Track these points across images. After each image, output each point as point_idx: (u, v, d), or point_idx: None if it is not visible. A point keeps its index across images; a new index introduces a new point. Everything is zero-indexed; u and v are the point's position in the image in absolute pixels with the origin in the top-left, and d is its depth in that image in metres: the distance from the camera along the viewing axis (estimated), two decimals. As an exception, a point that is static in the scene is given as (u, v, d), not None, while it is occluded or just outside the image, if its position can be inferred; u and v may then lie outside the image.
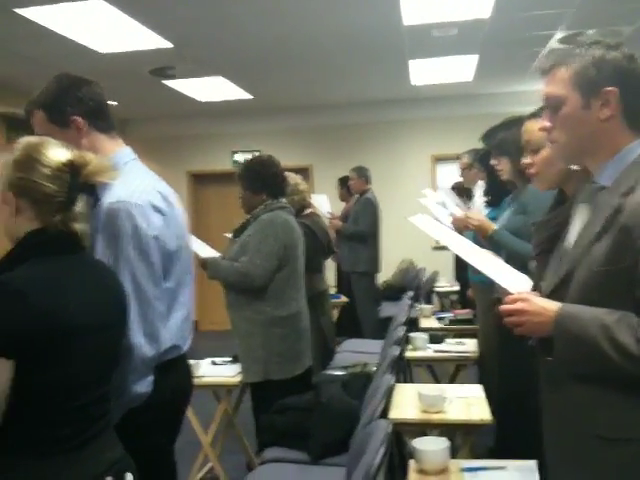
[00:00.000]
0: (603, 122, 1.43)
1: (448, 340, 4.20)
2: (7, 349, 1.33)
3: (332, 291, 6.19)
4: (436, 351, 3.99)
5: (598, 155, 1.47)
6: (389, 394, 2.34)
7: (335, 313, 6.17)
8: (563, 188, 1.93)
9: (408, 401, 2.85)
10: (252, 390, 3.60)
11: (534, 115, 2.00)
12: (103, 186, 1.76)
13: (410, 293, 5.35)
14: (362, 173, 6.57)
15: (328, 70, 6.75)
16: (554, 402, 1.49)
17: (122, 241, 1.73)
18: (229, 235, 3.68)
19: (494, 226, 2.80)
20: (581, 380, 1.40)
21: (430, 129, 8.63)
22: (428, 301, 6.62)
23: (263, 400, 3.38)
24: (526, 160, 1.99)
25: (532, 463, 2.10)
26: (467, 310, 4.98)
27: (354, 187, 6.64)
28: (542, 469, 1.88)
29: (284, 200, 3.55)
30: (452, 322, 4.87)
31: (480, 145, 8.06)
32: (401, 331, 3.53)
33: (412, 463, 2.17)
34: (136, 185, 1.80)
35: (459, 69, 6.97)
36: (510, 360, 2.93)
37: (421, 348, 4.00)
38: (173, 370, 1.94)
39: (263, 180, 3.45)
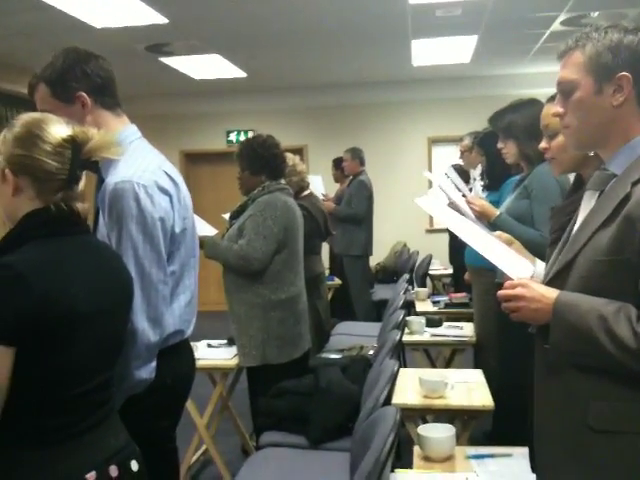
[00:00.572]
0: (616, 108, 1.40)
1: (445, 324, 4.18)
2: (9, 335, 1.28)
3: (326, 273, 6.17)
4: (433, 335, 3.97)
5: (610, 142, 1.43)
6: (393, 380, 2.30)
7: (328, 295, 6.15)
8: (580, 173, 1.90)
9: (408, 386, 2.83)
10: (249, 374, 3.57)
11: (552, 99, 1.95)
12: (108, 165, 1.71)
13: (406, 276, 5.33)
14: (356, 154, 6.51)
15: (328, 49, 6.65)
16: (547, 390, 1.47)
17: (127, 222, 1.68)
18: (225, 216, 3.62)
19: (497, 211, 2.77)
20: (576, 369, 1.39)
21: (426, 111, 8.57)
22: (422, 284, 6.60)
23: (260, 384, 3.35)
24: (543, 144, 1.95)
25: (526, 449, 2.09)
26: (463, 294, 4.96)
27: (348, 169, 6.59)
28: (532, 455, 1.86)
29: (283, 181, 3.49)
30: (448, 306, 4.85)
31: (477, 127, 8.05)
32: (400, 315, 3.50)
33: (416, 450, 2.15)
34: (142, 164, 1.74)
35: (457, 50, 6.90)
36: (509, 345, 2.92)
37: (418, 332, 3.98)
38: (175, 355, 1.90)
39: (263, 161, 3.38)
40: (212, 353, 3.61)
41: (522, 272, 1.53)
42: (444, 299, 5.00)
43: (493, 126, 2.90)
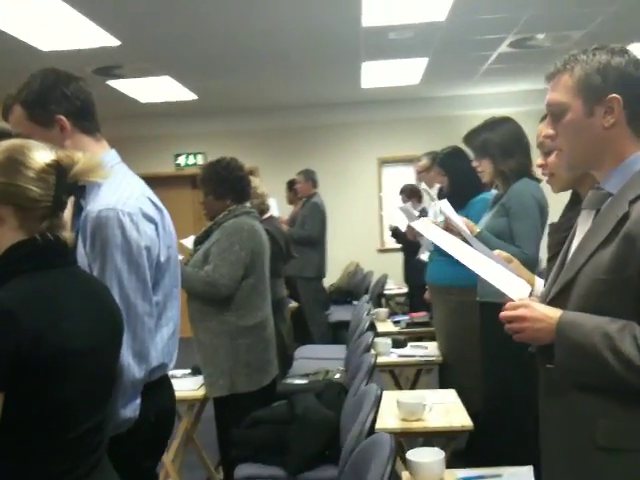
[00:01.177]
0: (607, 130, 1.41)
1: (409, 344, 4.17)
2: None
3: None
4: (400, 356, 3.95)
5: (603, 162, 1.44)
6: (378, 404, 2.26)
7: (287, 319, 6.08)
8: (577, 190, 1.92)
9: (384, 409, 2.79)
10: (216, 404, 3.45)
11: (546, 117, 1.96)
12: (89, 191, 1.62)
13: (366, 297, 5.31)
14: (309, 176, 6.51)
15: (281, 71, 6.65)
16: (553, 410, 1.46)
17: (111, 251, 1.59)
18: (183, 241, 3.52)
19: (477, 228, 2.78)
20: (582, 389, 1.38)
21: (376, 132, 8.64)
22: (378, 304, 6.61)
23: (229, 414, 3.24)
24: (540, 161, 1.96)
25: (527, 469, 2.08)
26: (423, 313, 4.98)
27: (301, 190, 6.57)
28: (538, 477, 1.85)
29: (248, 205, 3.43)
30: (409, 325, 4.85)
31: (426, 147, 8.20)
32: (369, 337, 3.47)
33: (406, 475, 2.11)
34: (125, 191, 1.66)
35: (407, 72, 7.00)
36: (493, 363, 2.92)
37: (385, 353, 3.95)
38: (158, 390, 1.81)
39: (227, 184, 3.31)
40: (177, 384, 3.41)
41: (520, 292, 1.52)
42: (405, 319, 5.00)
43: (468, 145, 2.92)
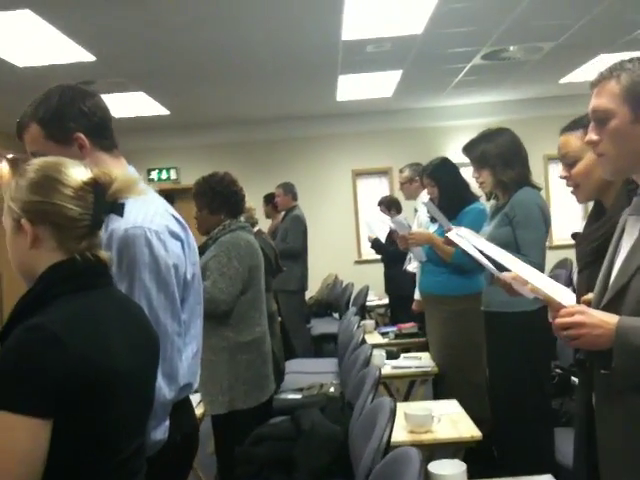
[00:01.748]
0: None
1: (402, 355, 4.17)
2: (45, 407, 1.13)
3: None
4: (394, 367, 3.94)
5: None
6: (393, 417, 2.24)
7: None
8: (601, 200, 1.93)
9: (390, 422, 2.77)
10: (215, 422, 3.40)
11: (568, 128, 1.98)
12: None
13: (353, 309, 5.30)
14: (288, 189, 6.50)
15: (256, 85, 6.64)
16: (612, 414, 1.46)
17: (139, 270, 1.55)
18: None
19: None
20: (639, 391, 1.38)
21: (350, 144, 8.69)
22: (362, 316, 6.59)
23: (228, 431, 3.20)
24: (563, 173, 1.97)
25: (547, 477, 2.08)
26: (411, 323, 4.99)
27: (281, 204, 6.55)
28: None
29: (242, 219, 3.40)
30: (398, 336, 4.86)
31: (399, 158, 8.26)
32: (367, 350, 3.45)
33: (428, 489, 2.09)
34: (150, 208, 1.61)
35: (381, 85, 7.06)
36: (502, 374, 2.93)
37: (379, 365, 3.92)
38: (183, 410, 1.77)
39: (222, 199, 3.28)
40: (173, 403, 3.41)
41: (568, 299, 1.52)
42: (392, 330, 5.00)
43: (467, 156, 2.94)
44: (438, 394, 4.02)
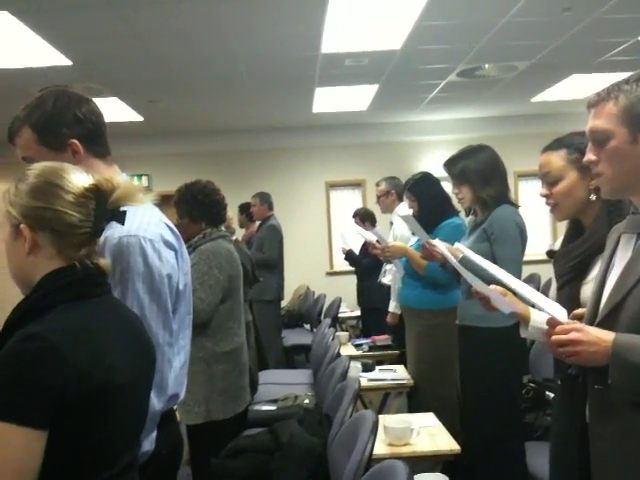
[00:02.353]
0: None
1: (377, 367, 4.18)
2: (40, 418, 1.10)
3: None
4: (370, 380, 3.94)
5: None
6: (375, 430, 2.24)
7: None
8: (579, 218, 1.97)
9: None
10: (190, 432, 3.36)
11: (550, 147, 2.02)
12: None
13: (327, 320, 5.30)
14: (264, 199, 6.49)
15: (234, 95, 6.63)
16: (606, 430, 1.47)
17: (133, 279, 1.53)
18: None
19: (460, 253, 2.82)
20: (636, 407, 1.40)
21: (324, 156, 8.72)
22: (334, 328, 6.59)
23: (203, 442, 3.16)
24: (544, 191, 2.00)
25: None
26: (385, 336, 5.01)
27: (256, 213, 6.54)
28: None
29: (223, 228, 3.39)
30: (372, 348, 4.87)
31: (372, 171, 8.31)
32: (344, 363, 3.45)
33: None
34: (145, 217, 1.60)
35: (357, 98, 7.11)
36: (475, 388, 2.95)
37: (355, 377, 3.92)
38: (168, 422, 1.74)
39: (203, 207, 3.26)
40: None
41: (561, 315, 1.54)
42: (366, 342, 5.02)
43: (447, 172, 2.97)
44: (411, 407, 4.04)
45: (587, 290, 1.87)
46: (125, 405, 1.24)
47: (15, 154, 1.69)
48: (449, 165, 2.96)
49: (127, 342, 1.30)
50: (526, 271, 6.85)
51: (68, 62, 5.07)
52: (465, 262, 2.06)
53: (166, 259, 1.60)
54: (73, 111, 1.62)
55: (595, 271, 1.87)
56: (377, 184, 5.27)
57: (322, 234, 8.79)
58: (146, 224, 1.59)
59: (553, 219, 2.18)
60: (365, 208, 6.81)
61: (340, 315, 7.29)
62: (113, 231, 1.53)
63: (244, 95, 6.66)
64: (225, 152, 8.58)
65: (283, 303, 7.57)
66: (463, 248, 1.88)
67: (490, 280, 1.79)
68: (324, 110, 7.55)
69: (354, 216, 6.62)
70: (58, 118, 1.61)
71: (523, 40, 5.21)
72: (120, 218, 1.31)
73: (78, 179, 1.28)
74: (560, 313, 1.53)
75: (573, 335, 1.43)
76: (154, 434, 1.61)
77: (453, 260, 1.96)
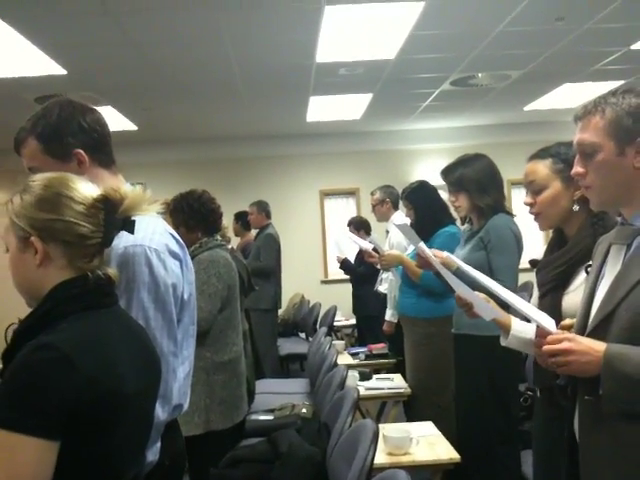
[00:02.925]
0: (638, 169, 1.46)
1: (375, 376, 4.18)
2: (52, 428, 1.10)
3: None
4: (367, 389, 3.94)
5: (633, 200, 1.49)
6: (376, 440, 2.24)
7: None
8: (562, 228, 1.98)
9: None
10: (189, 443, 3.34)
11: (536, 156, 2.03)
12: None
13: (324, 329, 5.29)
14: (262, 207, 6.50)
15: (229, 103, 6.64)
16: (597, 440, 1.47)
17: (138, 289, 1.53)
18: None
19: (455, 262, 2.83)
20: (629, 418, 1.40)
21: (318, 164, 8.74)
22: (329, 336, 6.58)
23: (202, 453, 3.15)
24: (528, 200, 2.02)
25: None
26: (382, 344, 5.01)
27: (254, 222, 6.55)
28: None
29: (219, 237, 3.38)
30: (368, 357, 4.87)
31: (366, 180, 8.33)
32: (342, 372, 3.45)
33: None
34: (150, 226, 1.59)
35: (351, 107, 7.13)
36: (470, 396, 2.96)
37: (352, 387, 3.92)
38: (171, 432, 1.74)
39: (199, 217, 3.27)
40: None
41: (550, 325, 1.55)
42: (363, 350, 5.01)
43: (444, 180, 2.98)
44: (408, 415, 4.04)
45: (569, 300, 1.89)
46: (134, 416, 1.24)
47: (10, 163, 1.70)
48: (446, 173, 2.97)
49: (135, 353, 1.30)
50: (519, 279, 6.90)
51: (63, 71, 5.07)
52: (458, 272, 2.08)
53: (171, 269, 1.60)
54: (78, 121, 1.62)
55: (578, 281, 1.89)
56: (372, 193, 5.29)
57: (316, 242, 8.79)
58: (151, 234, 1.59)
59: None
60: (360, 216, 6.82)
61: (335, 324, 7.29)
62: (118, 241, 1.52)
63: (238, 103, 6.67)
64: (219, 160, 8.58)
65: (279, 312, 7.58)
66: (454, 258, 1.89)
67: (480, 290, 1.80)
68: (318, 119, 7.57)
69: (349, 224, 6.63)
70: (63, 128, 1.61)
71: (516, 49, 5.25)
72: (130, 228, 1.31)
73: (86, 189, 1.28)
74: (549, 323, 1.53)
75: (565, 345, 1.43)
76: (158, 444, 1.60)
77: (440, 266, 1.98)
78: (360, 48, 4.96)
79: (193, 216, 3.26)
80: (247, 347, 4.46)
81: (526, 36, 4.88)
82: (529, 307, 1.62)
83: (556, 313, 1.80)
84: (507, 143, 8.27)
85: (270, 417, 3.90)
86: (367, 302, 5.96)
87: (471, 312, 1.92)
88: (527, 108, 7.64)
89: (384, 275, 4.92)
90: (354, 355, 4.97)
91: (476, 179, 2.86)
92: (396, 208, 5.17)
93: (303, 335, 7.43)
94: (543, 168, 2.00)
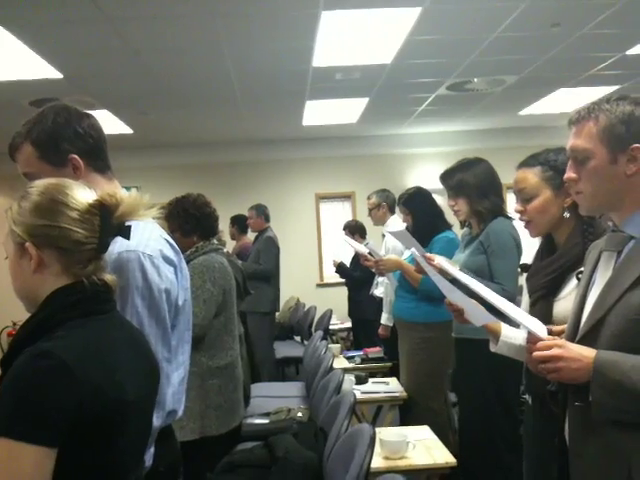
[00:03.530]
0: (629, 177, 1.47)
1: (371, 380, 4.18)
2: (50, 436, 1.10)
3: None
4: (363, 392, 3.94)
5: (624, 206, 1.50)
6: (373, 444, 2.24)
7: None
8: (553, 235, 1.99)
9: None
10: (184, 449, 3.33)
11: (526, 164, 2.04)
12: None
13: (320, 333, 5.30)
14: (261, 211, 6.51)
15: (225, 107, 6.64)
16: (586, 447, 1.47)
17: (132, 295, 1.53)
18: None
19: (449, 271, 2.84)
20: (618, 425, 1.40)
21: (314, 168, 8.75)
22: (325, 340, 6.58)
23: (198, 459, 3.14)
24: (518, 207, 2.03)
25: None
26: (377, 348, 5.02)
27: (253, 225, 6.56)
28: None
29: (215, 241, 3.38)
30: (364, 361, 4.87)
31: (362, 184, 8.31)
32: (339, 376, 3.45)
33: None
34: (145, 232, 1.60)
35: (347, 111, 7.14)
36: (471, 400, 2.96)
37: (348, 390, 3.92)
38: (166, 438, 1.73)
39: (195, 221, 3.26)
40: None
41: (542, 331, 1.55)
42: (358, 354, 5.02)
43: (443, 184, 2.99)
44: (404, 419, 4.04)
45: (560, 307, 1.89)
46: (135, 422, 1.24)
47: (7, 168, 1.70)
48: (445, 178, 2.98)
49: (134, 359, 1.30)
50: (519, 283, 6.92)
51: (59, 75, 5.06)
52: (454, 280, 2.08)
53: (165, 275, 1.60)
54: (73, 126, 1.62)
55: (568, 288, 1.90)
56: (368, 197, 5.30)
57: (312, 246, 8.80)
58: (146, 240, 1.59)
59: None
60: (356, 220, 6.83)
61: (331, 327, 7.29)
62: (113, 246, 1.52)
63: (235, 107, 6.67)
64: (215, 164, 8.59)
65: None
66: (443, 263, 1.89)
67: (470, 296, 1.80)
68: (314, 123, 7.57)
69: (344, 228, 6.64)
70: (59, 133, 1.61)
71: (512, 55, 5.27)
72: (126, 233, 1.31)
73: (82, 195, 1.28)
74: (540, 329, 1.54)
75: (555, 351, 1.44)
76: (152, 450, 1.60)
77: (432, 271, 1.98)
78: (357, 53, 4.96)
79: (189, 220, 3.26)
80: (242, 351, 4.47)
81: (522, 41, 4.90)
82: (520, 313, 1.62)
83: (547, 320, 1.81)
84: (502, 148, 8.27)
85: (266, 421, 3.90)
86: (363, 306, 5.97)
87: (461, 318, 1.93)
88: (522, 113, 7.67)
89: (380, 279, 4.92)
90: (350, 359, 4.98)
91: (475, 183, 2.87)
92: (392, 212, 5.19)
93: (298, 338, 7.43)
94: (533, 176, 2.01)
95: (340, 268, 6.24)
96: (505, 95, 6.62)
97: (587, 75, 5.96)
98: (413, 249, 2.44)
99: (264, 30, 4.37)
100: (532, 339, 1.52)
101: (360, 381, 4.06)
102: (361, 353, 5.00)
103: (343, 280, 6.60)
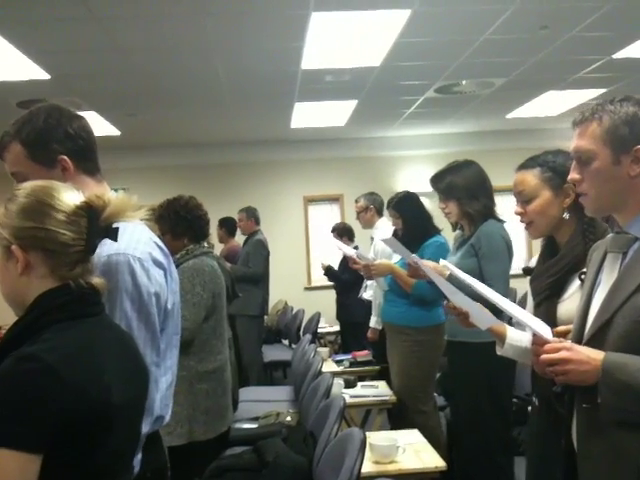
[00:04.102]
0: (633, 178, 1.46)
1: (360, 384, 4.16)
2: (35, 441, 1.07)
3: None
4: (352, 396, 3.92)
5: (628, 207, 1.49)
6: (364, 449, 2.22)
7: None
8: (554, 236, 1.99)
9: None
10: (172, 453, 3.30)
11: (525, 166, 2.04)
12: None
13: (308, 336, 5.27)
14: (251, 213, 6.49)
15: (213, 109, 6.61)
16: (594, 448, 1.47)
17: (121, 299, 1.50)
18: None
19: (447, 270, 2.83)
20: (624, 427, 1.40)
21: (302, 171, 8.73)
22: (313, 343, 6.56)
23: (186, 463, 3.10)
24: (518, 209, 2.02)
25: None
26: (365, 351, 5.00)
27: (244, 228, 6.53)
28: None
29: (206, 244, 3.35)
30: (353, 364, 4.85)
31: (350, 186, 8.28)
32: (328, 380, 3.43)
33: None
34: (134, 235, 1.57)
35: (336, 114, 7.13)
36: (464, 402, 2.95)
37: (337, 394, 3.90)
38: (153, 444, 1.71)
39: (186, 223, 3.23)
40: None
41: (547, 333, 1.54)
42: (347, 358, 5.00)
43: (433, 187, 2.98)
44: (393, 423, 4.03)
45: (564, 308, 1.89)
46: (123, 425, 1.22)
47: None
48: (435, 180, 2.97)
49: (123, 362, 1.27)
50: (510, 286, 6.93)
51: (46, 75, 5.02)
52: (452, 279, 2.07)
53: (154, 278, 1.58)
54: (64, 127, 1.60)
55: (571, 289, 1.90)
56: (356, 200, 5.29)
57: (300, 249, 8.77)
58: (135, 242, 1.56)
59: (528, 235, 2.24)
60: (344, 223, 6.82)
61: (319, 330, 7.26)
62: (102, 249, 1.50)
63: (223, 109, 6.65)
64: (203, 166, 8.54)
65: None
66: (450, 266, 1.88)
67: (475, 297, 1.79)
68: (303, 125, 7.56)
69: (332, 231, 6.63)
70: (49, 134, 1.59)
71: (500, 57, 5.29)
72: (113, 235, 1.29)
73: (69, 197, 1.26)
74: (545, 330, 1.53)
75: (563, 354, 1.43)
76: (139, 456, 1.58)
77: (434, 275, 1.97)
78: (346, 55, 4.96)
79: (180, 223, 3.23)
80: (230, 355, 4.44)
81: (510, 44, 4.91)
82: (525, 314, 1.61)
83: (552, 321, 1.80)
84: (490, 150, 8.30)
85: (254, 425, 3.87)
86: (351, 309, 5.95)
87: (466, 322, 1.91)
88: (510, 116, 7.69)
89: (369, 282, 4.91)
90: (338, 362, 4.96)
91: (465, 186, 2.87)
92: (380, 215, 5.18)
93: (286, 342, 7.40)
94: (532, 178, 2.01)
95: (328, 271, 6.23)
96: (493, 98, 6.64)
97: (575, 78, 5.98)
98: (413, 256, 2.43)
99: (253, 30, 4.34)
100: (538, 340, 1.52)
101: (349, 385, 4.04)
102: (350, 357, 4.98)
103: (331, 283, 6.58)
